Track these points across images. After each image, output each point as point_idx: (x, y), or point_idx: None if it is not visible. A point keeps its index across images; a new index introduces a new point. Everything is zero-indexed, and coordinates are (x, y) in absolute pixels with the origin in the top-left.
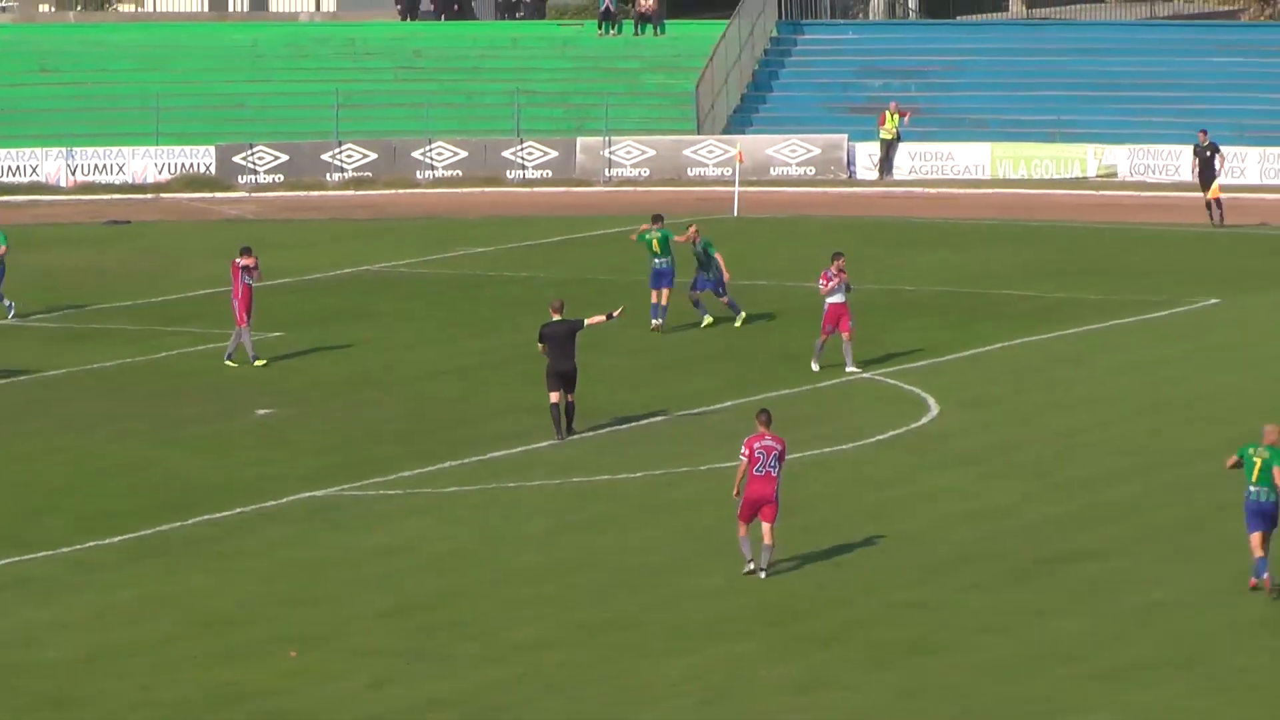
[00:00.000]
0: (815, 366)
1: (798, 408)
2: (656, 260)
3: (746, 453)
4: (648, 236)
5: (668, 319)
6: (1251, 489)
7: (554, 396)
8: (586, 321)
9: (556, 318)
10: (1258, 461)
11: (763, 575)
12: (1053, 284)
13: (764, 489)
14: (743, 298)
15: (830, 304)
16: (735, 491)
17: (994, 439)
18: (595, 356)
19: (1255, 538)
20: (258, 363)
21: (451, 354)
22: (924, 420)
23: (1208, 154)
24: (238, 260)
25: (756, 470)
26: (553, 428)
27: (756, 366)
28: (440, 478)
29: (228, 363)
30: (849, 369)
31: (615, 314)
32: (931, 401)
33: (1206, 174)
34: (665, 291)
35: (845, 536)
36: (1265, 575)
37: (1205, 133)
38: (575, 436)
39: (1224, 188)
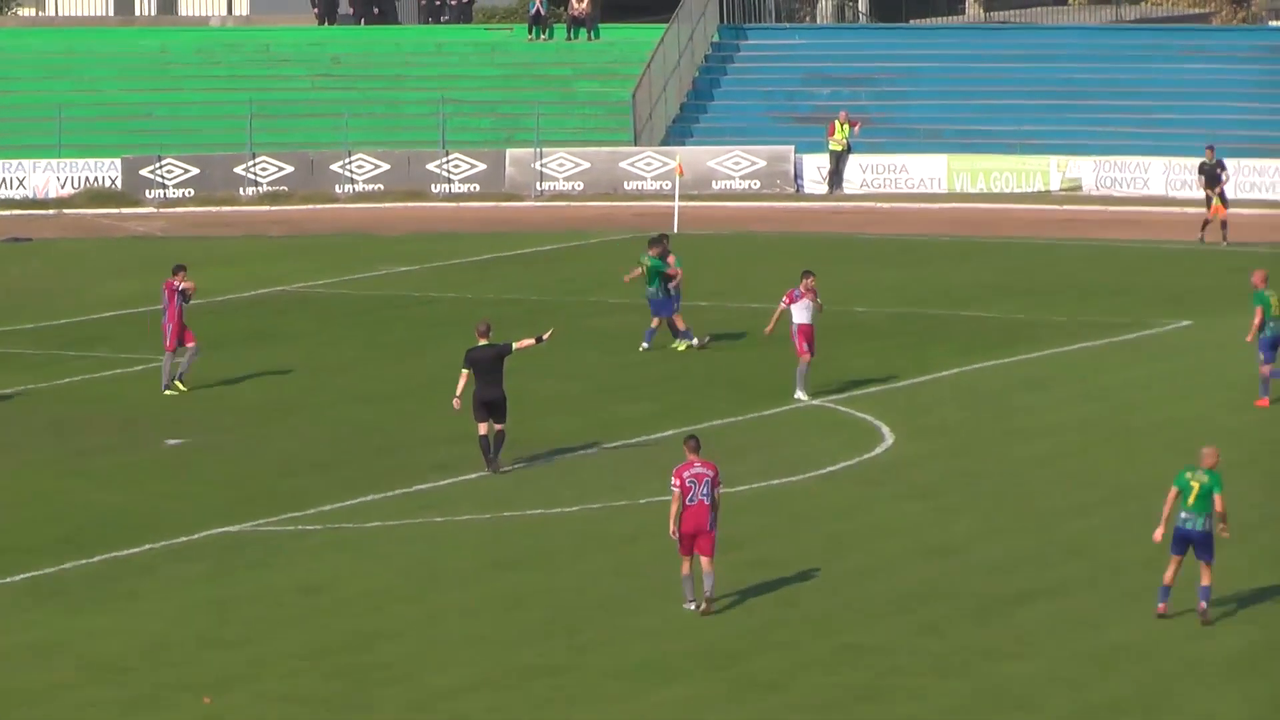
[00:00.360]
0: (802, 396)
1: (742, 436)
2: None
3: (677, 483)
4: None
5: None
6: (1184, 514)
7: (482, 427)
8: (515, 345)
9: (483, 341)
10: (1195, 486)
11: (700, 606)
12: (1013, 305)
13: (698, 519)
14: (684, 319)
15: (800, 325)
16: (672, 529)
17: (951, 469)
18: (528, 381)
19: (1173, 562)
20: (169, 391)
21: (373, 379)
22: (877, 450)
23: (1216, 171)
24: (172, 280)
25: (689, 500)
26: (484, 460)
27: (698, 392)
28: (362, 511)
29: (177, 385)
30: (798, 394)
31: (545, 337)
32: (885, 430)
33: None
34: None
35: (793, 573)
36: (1202, 605)
37: (1212, 149)
38: (507, 468)
39: (1190, 201)
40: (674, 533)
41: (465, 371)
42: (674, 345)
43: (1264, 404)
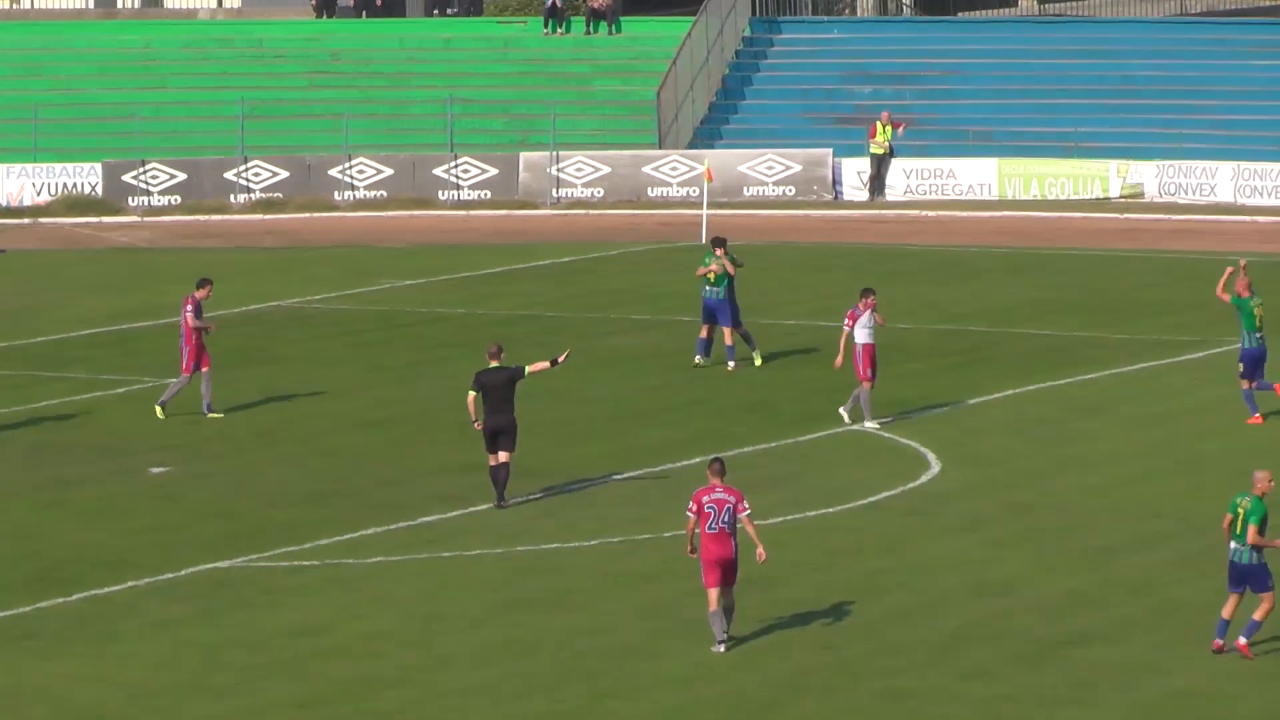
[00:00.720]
0: (849, 418)
1: (776, 465)
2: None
3: (694, 508)
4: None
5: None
6: (1233, 544)
7: (493, 458)
8: (528, 369)
9: (494, 364)
10: (1240, 513)
11: (724, 640)
12: (1069, 321)
13: (723, 548)
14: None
15: (863, 345)
16: (689, 548)
17: (1002, 501)
18: (542, 406)
19: (1231, 599)
20: (212, 415)
21: (375, 403)
22: (922, 479)
23: None
24: (196, 295)
25: (709, 527)
26: (494, 491)
27: (728, 417)
28: (362, 546)
29: (211, 415)
30: (868, 424)
31: (561, 359)
32: (930, 457)
33: None
34: (726, 330)
35: (831, 614)
36: (1241, 640)
37: None
38: (518, 500)
39: (1262, 209)
40: (691, 552)
41: (473, 394)
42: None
43: (1258, 420)
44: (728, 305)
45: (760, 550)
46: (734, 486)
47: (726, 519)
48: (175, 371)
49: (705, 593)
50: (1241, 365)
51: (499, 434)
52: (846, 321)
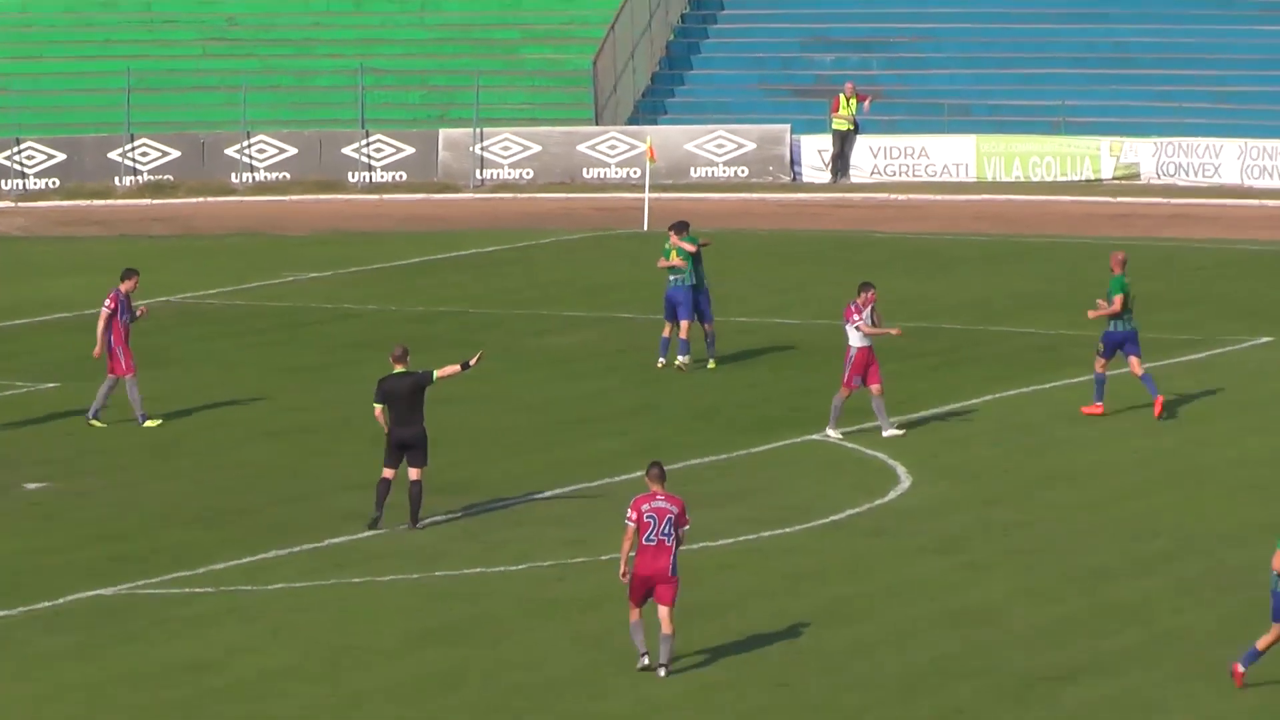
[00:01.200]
0: (834, 433)
1: (728, 479)
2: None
3: (634, 516)
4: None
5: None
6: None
7: (388, 472)
8: (437, 374)
9: (399, 369)
10: None
11: (662, 673)
12: (1056, 318)
13: (657, 562)
14: (653, 334)
15: (858, 349)
16: (622, 570)
17: (981, 518)
18: (466, 414)
19: (1274, 630)
20: (149, 423)
21: (277, 411)
22: (891, 495)
23: None
24: (121, 287)
25: (647, 539)
26: (375, 504)
27: (675, 425)
28: (263, 571)
29: (93, 422)
30: (887, 432)
31: (473, 362)
32: (901, 470)
33: None
34: (684, 323)
35: (789, 646)
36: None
37: None
38: (436, 520)
39: (1271, 192)
40: (624, 574)
41: (379, 407)
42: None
43: (1098, 410)
44: (691, 296)
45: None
46: (676, 495)
47: (666, 531)
48: (52, 375)
49: (629, 609)
50: (1102, 345)
51: (406, 447)
52: (846, 316)
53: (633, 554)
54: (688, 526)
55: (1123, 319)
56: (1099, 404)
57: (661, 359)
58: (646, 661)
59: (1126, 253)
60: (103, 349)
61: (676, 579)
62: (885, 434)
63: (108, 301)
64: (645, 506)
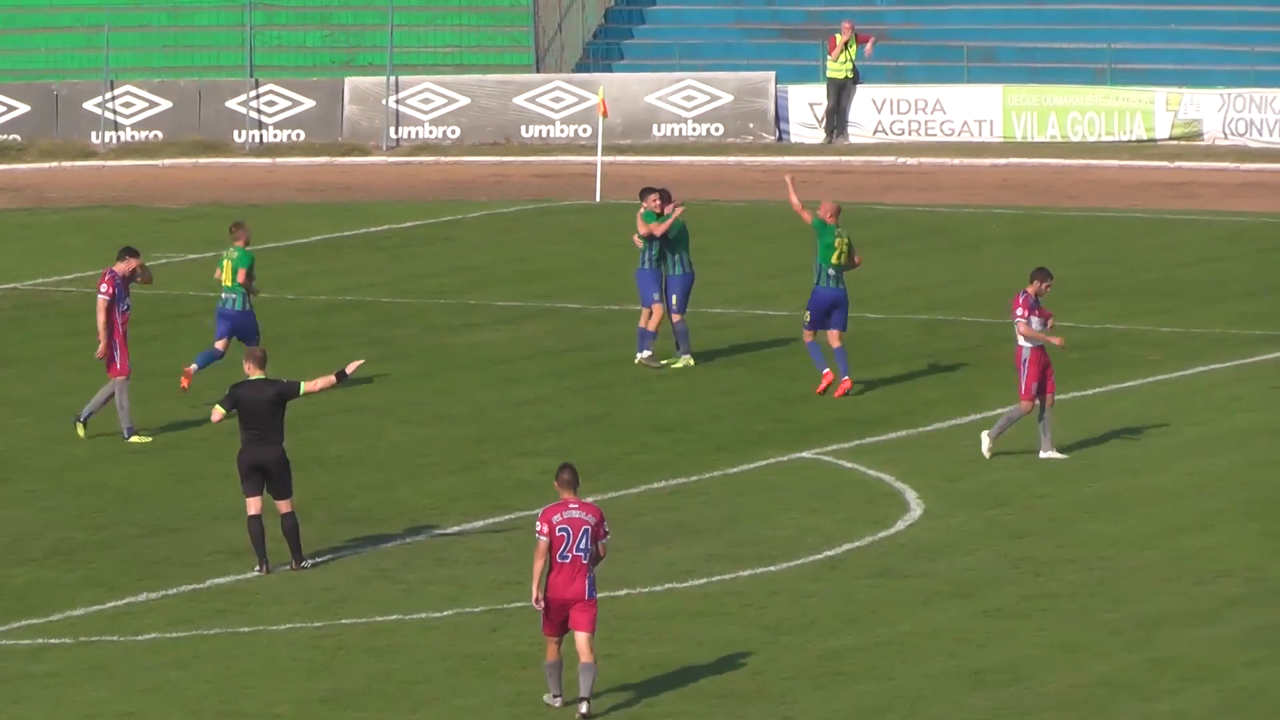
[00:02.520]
0: (990, 448)
1: (699, 506)
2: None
3: (545, 530)
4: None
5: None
6: None
7: (253, 505)
8: (305, 386)
9: (256, 375)
10: None
11: (584, 708)
12: (1100, 310)
13: (574, 583)
14: (605, 330)
15: (1032, 349)
16: (535, 595)
17: (1007, 554)
18: (374, 424)
19: None
20: (135, 439)
21: (144, 423)
22: (898, 525)
23: None
24: (117, 268)
25: (560, 556)
26: (255, 553)
27: (631, 440)
28: (131, 618)
29: (134, 439)
30: (1045, 453)
31: (349, 370)
32: (910, 495)
33: None
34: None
35: (772, 711)
36: None
37: None
38: (336, 556)
39: None
40: (538, 600)
41: (220, 411)
42: (672, 361)
43: (827, 379)
44: (654, 277)
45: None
46: (594, 504)
47: (583, 546)
48: None
49: (544, 642)
50: (809, 315)
51: (263, 472)
52: (1020, 313)
53: (545, 578)
54: (607, 539)
55: (826, 275)
56: (829, 373)
57: (643, 352)
58: (558, 704)
59: (839, 203)
60: (109, 346)
61: (595, 601)
62: (1043, 455)
63: (103, 286)
64: (557, 518)
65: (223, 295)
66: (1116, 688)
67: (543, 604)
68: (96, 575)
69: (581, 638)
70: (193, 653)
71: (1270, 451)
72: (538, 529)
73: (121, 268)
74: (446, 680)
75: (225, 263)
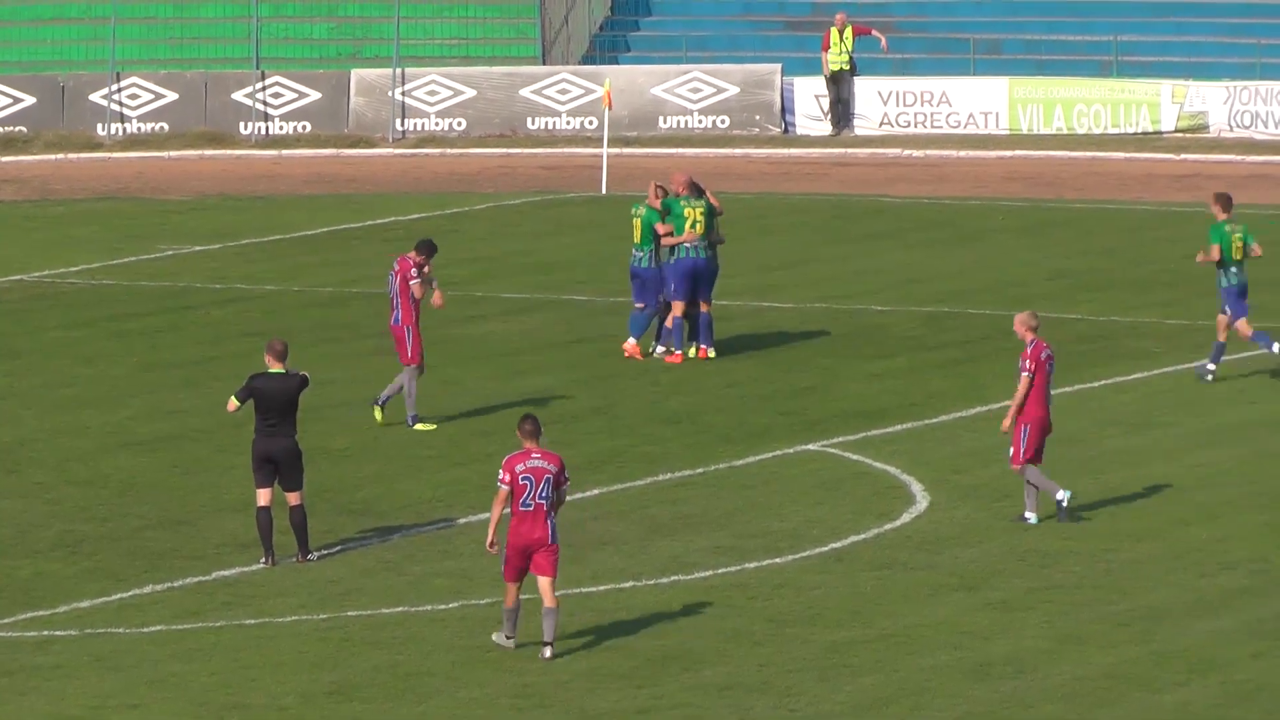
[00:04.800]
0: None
1: (705, 499)
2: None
3: (507, 478)
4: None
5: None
6: None
7: (263, 496)
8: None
9: (276, 367)
10: None
11: (548, 653)
12: (1106, 302)
13: (535, 529)
14: (611, 321)
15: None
16: (490, 539)
17: (1013, 547)
18: (385, 416)
19: None
20: (419, 426)
21: (152, 414)
22: (903, 518)
23: None
24: (414, 258)
25: (523, 503)
26: (261, 544)
27: (636, 433)
28: (137, 611)
29: (418, 426)
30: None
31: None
32: (916, 487)
33: None
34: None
35: (778, 704)
36: None
37: None
38: (343, 549)
39: None
40: (492, 544)
41: (235, 403)
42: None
43: (677, 359)
44: (655, 276)
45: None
46: (554, 452)
47: (545, 493)
48: None
49: (504, 588)
50: (673, 285)
51: (274, 464)
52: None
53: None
54: (568, 485)
55: (698, 247)
56: (678, 354)
57: (658, 347)
58: (511, 645)
59: (689, 174)
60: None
61: (557, 546)
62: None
63: (396, 266)
64: (519, 467)
65: None
66: (1121, 680)
67: (498, 549)
68: (102, 567)
69: (544, 582)
70: (198, 645)
71: (1275, 443)
72: (500, 476)
73: (418, 258)
74: (452, 672)
75: None
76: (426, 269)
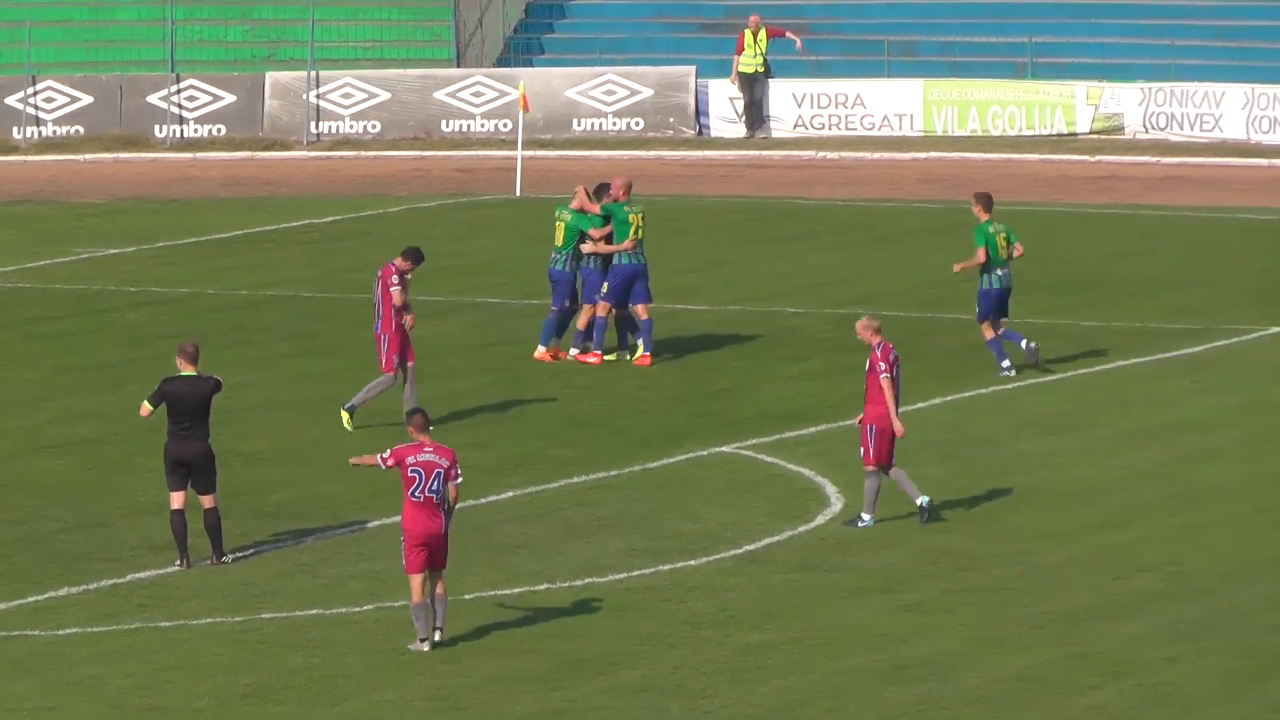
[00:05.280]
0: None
1: (618, 501)
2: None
3: (392, 461)
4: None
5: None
6: None
7: (176, 499)
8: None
9: (188, 370)
10: None
11: (437, 636)
12: (1024, 303)
13: (433, 521)
14: (525, 324)
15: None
16: (364, 457)
17: (928, 548)
18: (297, 421)
19: None
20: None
21: (67, 417)
22: (818, 520)
23: None
24: (398, 264)
25: (415, 494)
26: (176, 548)
27: (553, 435)
28: (51, 613)
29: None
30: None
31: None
32: (830, 489)
33: None
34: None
35: (692, 707)
36: None
37: None
38: (258, 551)
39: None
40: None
41: (148, 407)
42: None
43: (595, 359)
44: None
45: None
46: (447, 448)
47: (437, 487)
48: None
49: (408, 580)
50: (608, 288)
51: (188, 466)
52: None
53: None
54: (460, 480)
55: (637, 253)
56: (597, 353)
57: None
58: (426, 648)
59: (628, 178)
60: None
61: (447, 540)
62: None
63: (380, 273)
64: (410, 459)
65: None
66: (1037, 682)
67: (358, 461)
68: (16, 570)
69: (436, 572)
70: (114, 647)
71: (1191, 446)
72: (383, 455)
73: (403, 264)
74: (367, 675)
75: None
76: (409, 276)
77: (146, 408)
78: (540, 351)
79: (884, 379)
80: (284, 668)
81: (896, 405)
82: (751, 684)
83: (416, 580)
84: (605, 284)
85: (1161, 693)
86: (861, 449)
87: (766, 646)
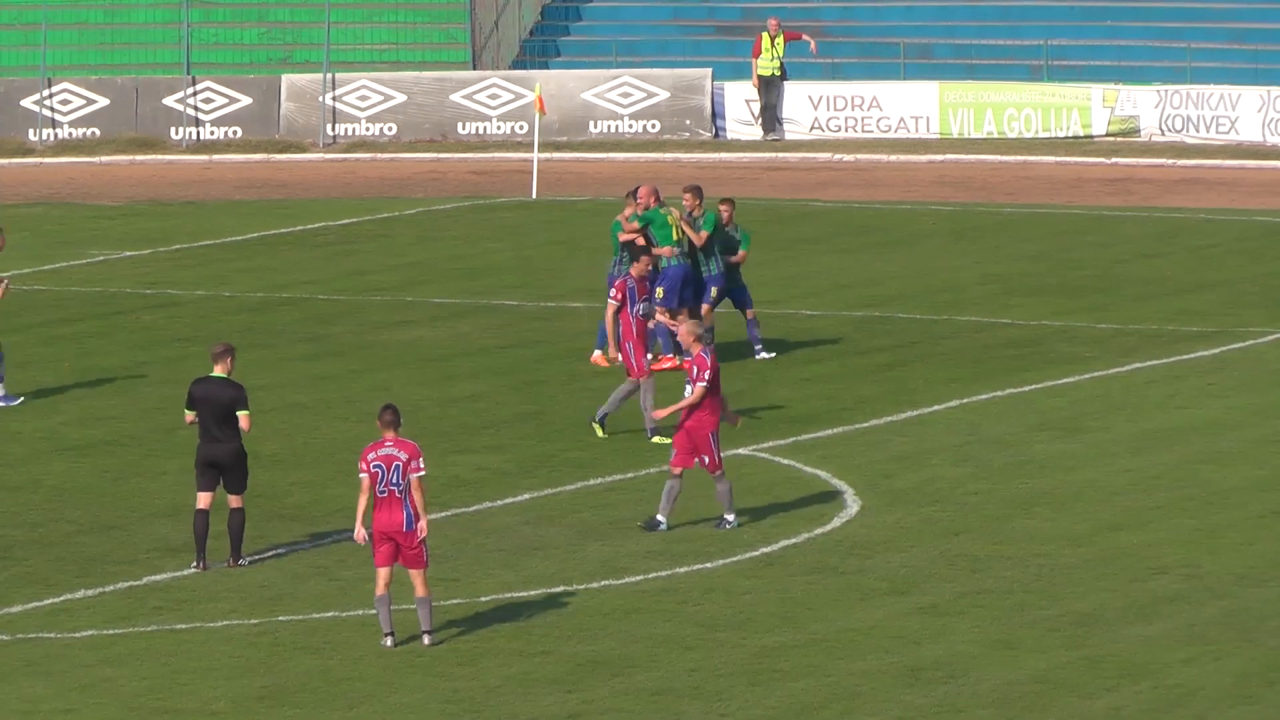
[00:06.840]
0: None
1: (635, 503)
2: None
3: (364, 468)
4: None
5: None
6: None
7: (203, 499)
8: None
9: (219, 372)
10: None
11: (427, 640)
12: (1037, 307)
13: (393, 514)
14: (542, 326)
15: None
16: (358, 530)
17: (943, 552)
18: (310, 422)
19: None
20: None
21: (83, 419)
22: (834, 523)
23: None
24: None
25: (378, 490)
26: (195, 547)
27: (566, 438)
28: (68, 616)
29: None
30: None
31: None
32: (847, 492)
33: None
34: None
35: (708, 709)
36: None
37: None
38: (275, 554)
39: None
40: (360, 534)
41: (191, 414)
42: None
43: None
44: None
45: (423, 524)
46: (410, 440)
47: (396, 479)
48: None
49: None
50: (663, 292)
51: (218, 468)
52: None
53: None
54: (422, 473)
55: (680, 255)
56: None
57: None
58: (390, 643)
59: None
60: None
61: (415, 534)
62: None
63: (613, 293)
64: (371, 455)
65: None
66: (1052, 685)
67: (366, 538)
68: (33, 573)
69: (414, 574)
70: (129, 650)
71: (1206, 448)
72: (361, 467)
73: (636, 269)
74: (383, 677)
75: None
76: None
77: (188, 415)
78: (597, 355)
79: (699, 386)
80: (300, 670)
81: (696, 405)
82: (768, 686)
83: (380, 573)
84: (660, 289)
85: (1177, 695)
86: (707, 457)
87: (782, 649)
